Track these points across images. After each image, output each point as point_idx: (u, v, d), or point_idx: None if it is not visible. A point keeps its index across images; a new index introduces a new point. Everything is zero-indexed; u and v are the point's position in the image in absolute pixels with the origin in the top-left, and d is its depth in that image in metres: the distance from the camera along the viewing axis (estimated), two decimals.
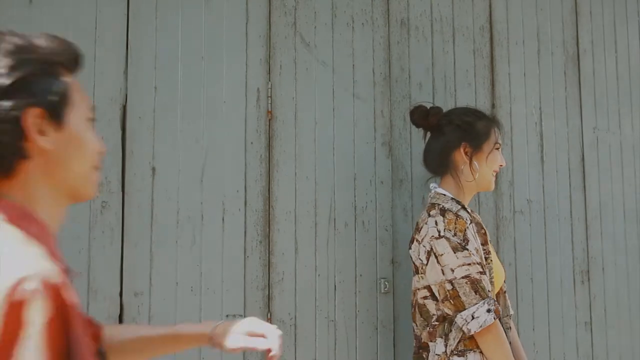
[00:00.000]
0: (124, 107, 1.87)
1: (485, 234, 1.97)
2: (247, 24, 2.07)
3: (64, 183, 1.04)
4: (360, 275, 2.18)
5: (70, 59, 1.09)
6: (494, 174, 2.02)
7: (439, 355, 1.86)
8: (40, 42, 1.02)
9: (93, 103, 1.09)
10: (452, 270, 1.83)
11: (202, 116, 1.97)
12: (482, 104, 2.46)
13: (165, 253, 1.88)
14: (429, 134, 2.10)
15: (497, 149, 2.01)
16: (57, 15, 1.81)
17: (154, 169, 1.89)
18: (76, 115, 1.04)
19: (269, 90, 2.08)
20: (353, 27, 2.25)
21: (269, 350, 1.25)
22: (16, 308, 0.81)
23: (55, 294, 0.84)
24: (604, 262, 2.71)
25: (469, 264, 1.83)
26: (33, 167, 1.00)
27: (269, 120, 2.07)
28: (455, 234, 1.86)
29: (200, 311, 1.91)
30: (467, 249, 1.84)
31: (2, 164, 0.98)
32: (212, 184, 1.95)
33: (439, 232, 1.87)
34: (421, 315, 1.94)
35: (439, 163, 2.03)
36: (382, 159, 2.27)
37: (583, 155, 2.70)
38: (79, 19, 1.84)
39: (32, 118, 0.96)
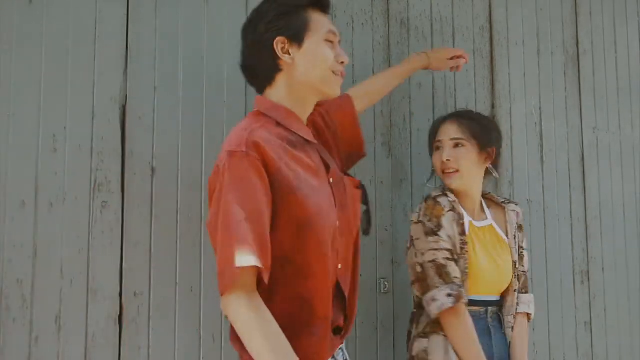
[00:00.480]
0: (124, 107, 1.87)
1: (463, 224, 1.96)
2: None
3: (306, 84, 1.57)
4: (360, 275, 2.16)
5: (312, 0, 1.58)
6: (442, 172, 2.05)
7: (410, 340, 1.97)
8: None
9: (332, 29, 1.59)
10: (423, 254, 1.90)
11: (202, 116, 1.97)
12: (482, 104, 2.47)
13: (165, 253, 1.88)
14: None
15: (438, 148, 2.07)
16: (57, 15, 1.81)
17: (153, 169, 1.89)
18: (313, 39, 1.55)
19: None
20: (353, 27, 2.25)
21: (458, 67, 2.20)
22: (233, 157, 1.42)
23: (258, 152, 1.43)
24: (604, 262, 2.71)
25: (437, 249, 1.89)
26: (283, 76, 1.57)
27: None
28: (430, 220, 1.92)
29: (200, 311, 1.91)
30: (438, 235, 1.90)
31: (266, 77, 1.59)
32: None
33: (418, 216, 1.96)
34: (413, 300, 2.04)
35: None
36: (382, 159, 2.27)
37: (583, 156, 2.70)
38: (78, 19, 1.84)
39: (279, 44, 1.53)
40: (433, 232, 1.90)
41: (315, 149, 1.60)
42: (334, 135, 1.81)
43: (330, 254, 1.48)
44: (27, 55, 1.77)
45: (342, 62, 1.59)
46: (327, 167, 1.59)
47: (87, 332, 1.77)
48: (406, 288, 2.23)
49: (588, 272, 2.65)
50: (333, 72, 1.57)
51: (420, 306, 1.96)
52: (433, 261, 1.88)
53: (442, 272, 1.87)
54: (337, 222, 1.54)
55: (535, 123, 2.59)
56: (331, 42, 1.58)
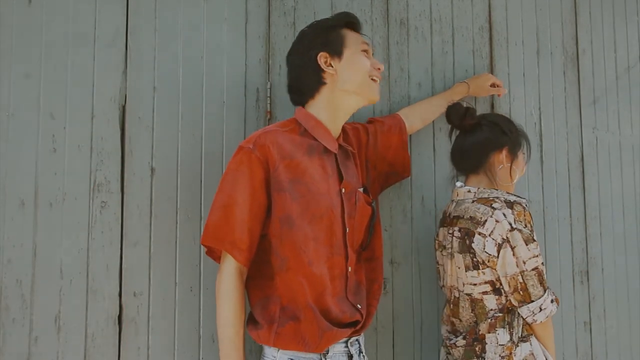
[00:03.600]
0: (124, 107, 1.87)
1: None
2: (246, 24, 2.07)
3: (348, 91, 1.76)
4: None
5: (344, 21, 1.79)
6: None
7: (503, 345, 1.89)
8: (329, 17, 1.82)
9: (366, 40, 1.81)
10: (524, 263, 1.87)
11: (201, 116, 1.97)
12: (482, 104, 2.47)
13: (164, 253, 1.88)
14: (455, 132, 2.13)
15: (523, 158, 2.08)
16: (56, 15, 1.81)
17: (153, 169, 1.89)
18: (351, 50, 1.76)
19: (269, 90, 2.08)
20: None
21: (499, 95, 2.47)
22: (238, 152, 1.67)
23: (261, 150, 1.65)
24: (603, 262, 2.71)
25: (537, 256, 1.88)
26: (326, 88, 1.76)
27: (269, 120, 2.07)
28: (525, 226, 1.89)
29: (200, 311, 1.91)
30: (535, 240, 1.89)
31: (311, 90, 1.77)
32: (211, 184, 1.95)
33: (510, 224, 1.87)
34: (473, 310, 1.95)
35: (473, 161, 2.04)
36: None
37: (582, 156, 2.70)
38: (78, 19, 1.84)
39: (322, 58, 1.74)
40: (532, 239, 1.88)
41: (334, 158, 1.78)
42: (374, 153, 2.00)
43: (313, 254, 1.67)
44: (27, 55, 1.77)
45: (379, 69, 1.78)
46: (341, 178, 1.77)
47: (87, 332, 1.77)
48: (406, 288, 2.23)
49: (587, 272, 2.65)
50: (370, 77, 1.77)
51: (508, 311, 1.92)
52: (535, 269, 1.87)
53: (542, 278, 1.88)
54: (348, 229, 1.74)
55: (535, 123, 2.59)
56: (366, 52, 1.78)
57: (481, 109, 2.45)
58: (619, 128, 2.84)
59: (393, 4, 2.34)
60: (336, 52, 1.75)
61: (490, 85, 2.40)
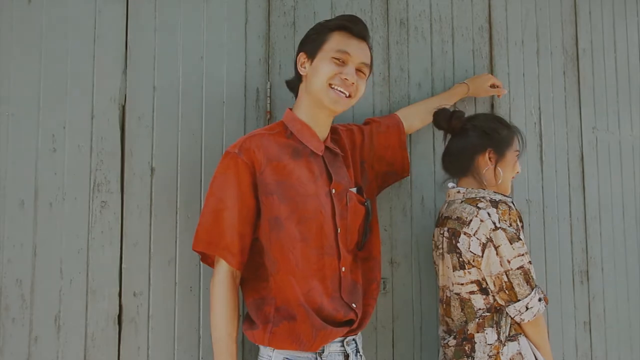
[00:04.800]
0: (123, 107, 1.88)
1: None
2: (246, 24, 2.08)
3: (312, 95, 1.75)
4: None
5: (338, 24, 1.75)
6: (512, 179, 2.08)
7: (491, 344, 1.89)
8: (332, 19, 1.80)
9: (346, 49, 1.73)
10: (509, 262, 1.86)
11: (201, 116, 1.97)
12: (482, 104, 2.47)
13: (164, 253, 1.88)
14: (448, 136, 2.12)
15: (517, 156, 2.06)
16: (56, 15, 1.81)
17: (153, 169, 1.89)
18: (321, 55, 1.73)
19: (268, 90, 2.08)
20: None
21: (499, 95, 2.46)
22: (225, 157, 1.68)
23: (246, 154, 1.66)
24: (603, 262, 2.71)
25: (522, 255, 1.87)
26: (302, 87, 1.80)
27: (268, 120, 2.07)
28: (510, 224, 1.88)
29: (200, 311, 1.91)
30: (521, 239, 1.88)
31: (295, 86, 1.83)
32: None
33: (494, 223, 1.87)
34: (462, 309, 1.96)
35: (460, 165, 2.05)
36: None
37: (582, 155, 2.70)
38: (78, 19, 1.84)
39: (301, 58, 1.78)
40: (517, 237, 1.87)
41: (321, 160, 1.77)
42: (370, 153, 2.00)
43: (300, 255, 1.68)
44: (26, 55, 1.77)
45: (345, 79, 1.71)
46: (331, 179, 1.77)
47: (87, 332, 1.77)
48: (406, 288, 2.23)
49: (587, 272, 2.65)
50: (331, 85, 1.72)
51: (496, 310, 1.91)
52: (521, 267, 1.86)
53: (529, 277, 1.87)
54: (339, 229, 1.74)
55: (535, 123, 2.59)
56: (339, 59, 1.72)
57: (481, 109, 2.45)
58: (619, 128, 2.84)
59: (393, 4, 2.34)
60: (312, 54, 1.75)
61: (490, 86, 2.39)
